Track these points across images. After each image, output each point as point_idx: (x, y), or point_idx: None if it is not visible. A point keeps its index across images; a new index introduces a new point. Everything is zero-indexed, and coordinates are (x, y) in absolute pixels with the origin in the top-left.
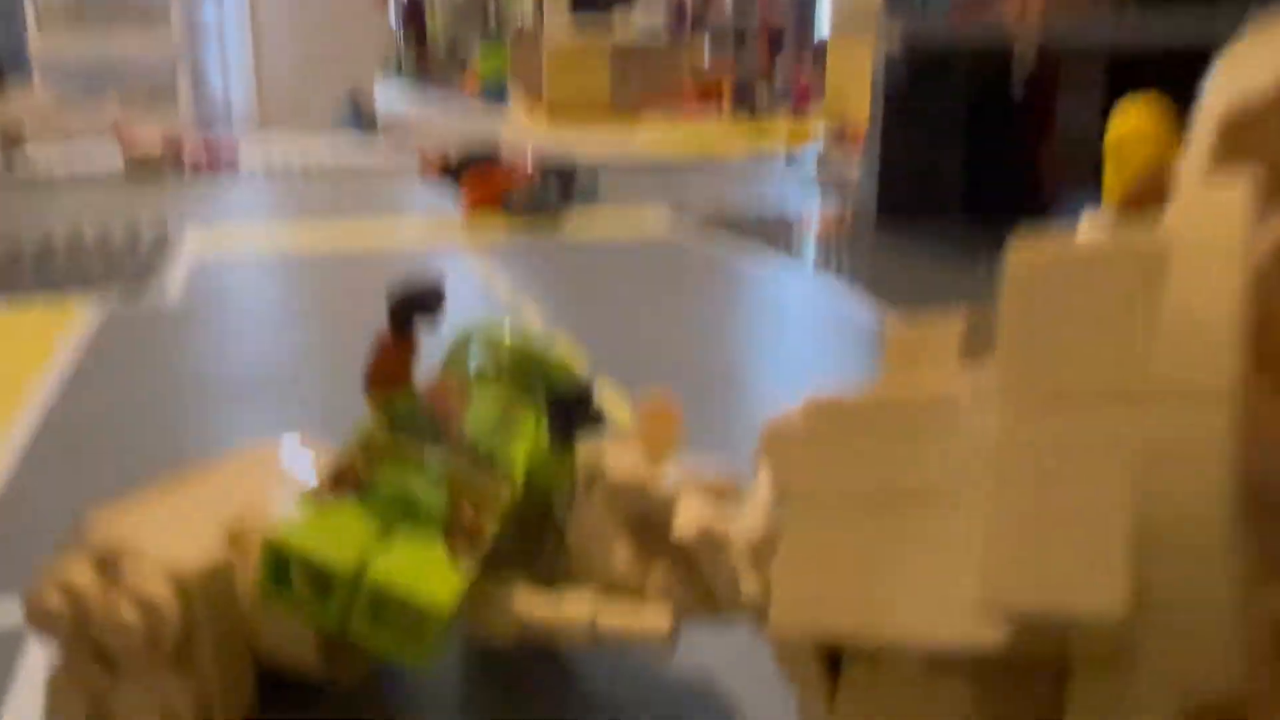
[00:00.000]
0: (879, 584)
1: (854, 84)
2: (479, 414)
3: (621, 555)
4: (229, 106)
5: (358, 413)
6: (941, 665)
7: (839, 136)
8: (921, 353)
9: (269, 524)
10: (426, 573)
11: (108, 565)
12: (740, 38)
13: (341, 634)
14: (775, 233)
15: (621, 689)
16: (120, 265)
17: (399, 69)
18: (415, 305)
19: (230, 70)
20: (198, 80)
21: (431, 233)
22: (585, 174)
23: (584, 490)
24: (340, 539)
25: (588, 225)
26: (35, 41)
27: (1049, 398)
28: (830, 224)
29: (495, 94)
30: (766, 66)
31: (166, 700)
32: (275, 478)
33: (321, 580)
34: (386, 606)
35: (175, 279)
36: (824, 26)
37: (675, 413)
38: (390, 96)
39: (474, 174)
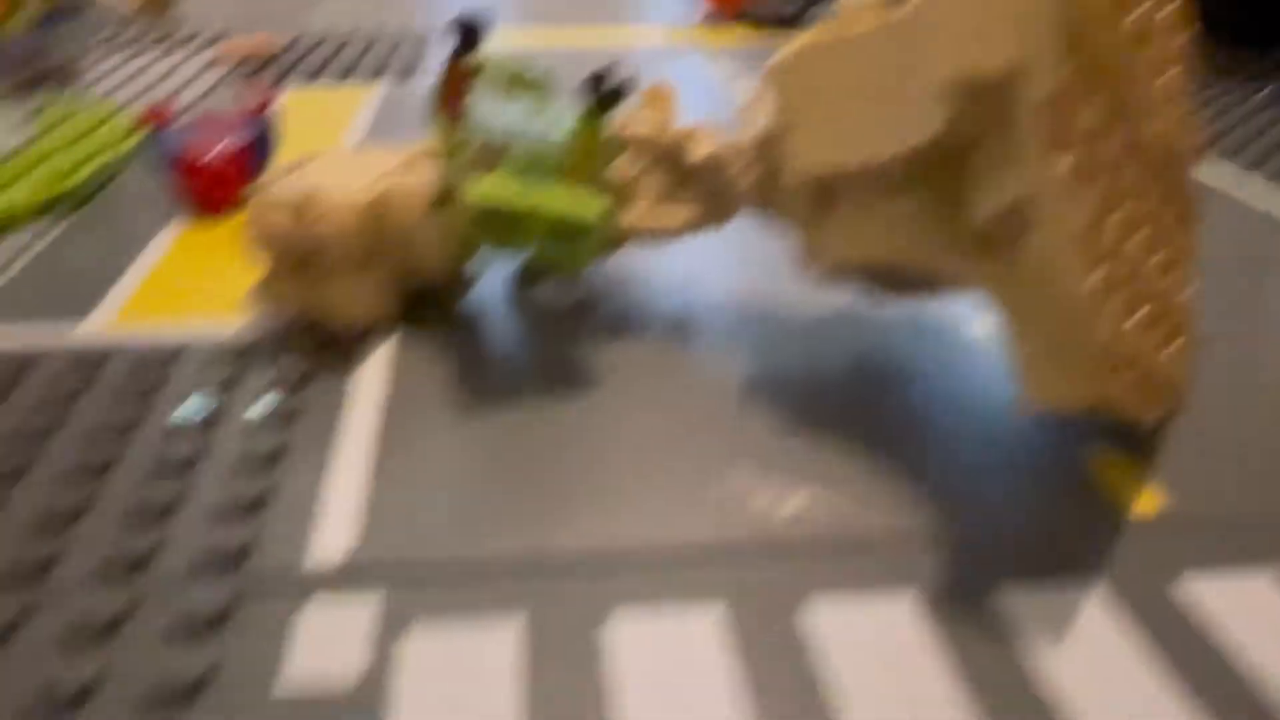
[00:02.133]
0: (859, 123)
1: None
2: (519, 106)
3: (654, 183)
4: None
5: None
6: (897, 185)
7: None
8: (859, 15)
9: (444, 185)
10: (576, 201)
11: (304, 202)
12: None
13: (520, 251)
14: None
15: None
16: (392, 58)
17: None
18: (471, 29)
19: None
20: None
21: (667, 38)
22: None
23: (624, 149)
24: (514, 192)
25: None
26: None
27: None
28: None
29: None
30: None
31: (361, 289)
32: (385, 159)
33: (506, 220)
34: (559, 230)
35: (438, 57)
36: None
37: (672, 92)
38: None
39: None
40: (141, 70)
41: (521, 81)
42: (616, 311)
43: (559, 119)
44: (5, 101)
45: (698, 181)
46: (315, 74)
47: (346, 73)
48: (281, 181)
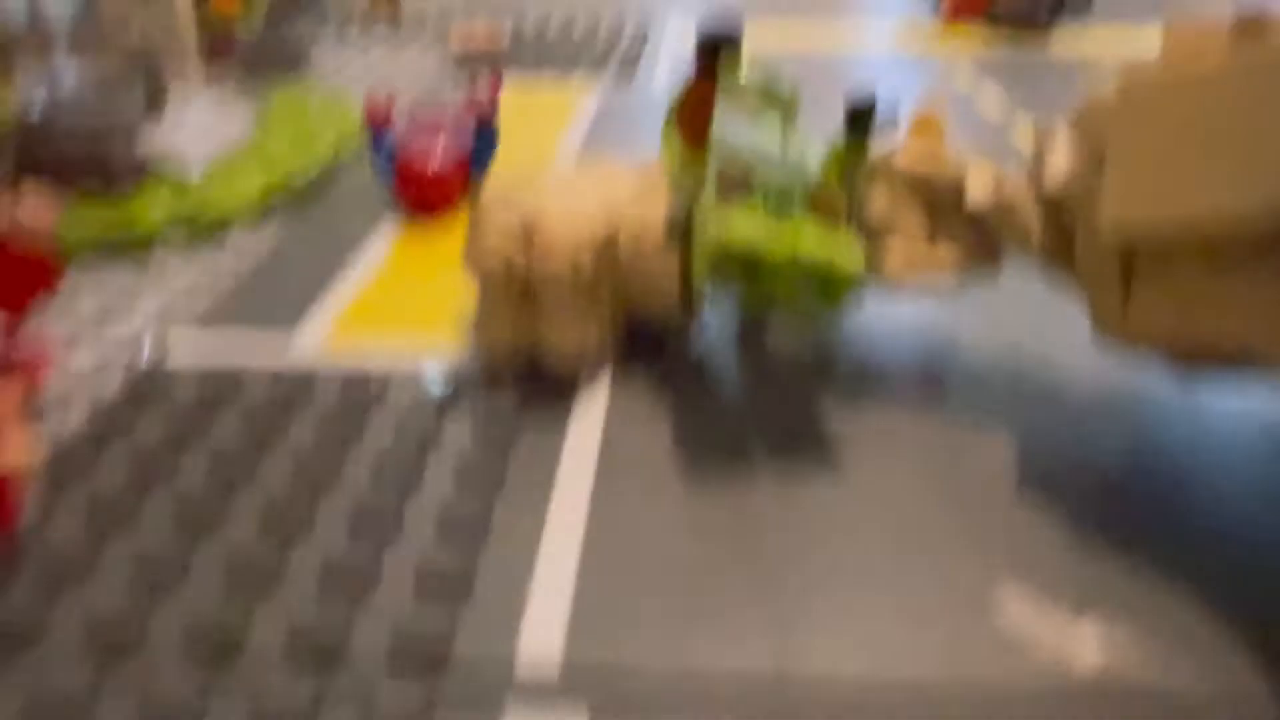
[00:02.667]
0: (1199, 177)
1: None
2: (770, 129)
3: (916, 225)
4: None
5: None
6: (1236, 254)
7: None
8: (1196, 48)
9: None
10: (836, 245)
11: (529, 231)
12: None
13: (767, 300)
14: None
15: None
16: (610, 54)
17: None
18: (720, 44)
19: None
20: None
21: (906, 40)
22: None
23: (877, 181)
24: (765, 231)
25: (1078, 43)
26: None
27: None
28: None
29: None
30: None
31: (583, 327)
32: (615, 179)
33: (754, 264)
34: (813, 276)
35: (657, 69)
36: None
37: (942, 117)
38: None
39: None
40: (371, 63)
41: (770, 99)
42: (860, 367)
43: (810, 145)
44: (238, 92)
45: (967, 224)
46: (535, 68)
47: (567, 67)
48: (506, 202)
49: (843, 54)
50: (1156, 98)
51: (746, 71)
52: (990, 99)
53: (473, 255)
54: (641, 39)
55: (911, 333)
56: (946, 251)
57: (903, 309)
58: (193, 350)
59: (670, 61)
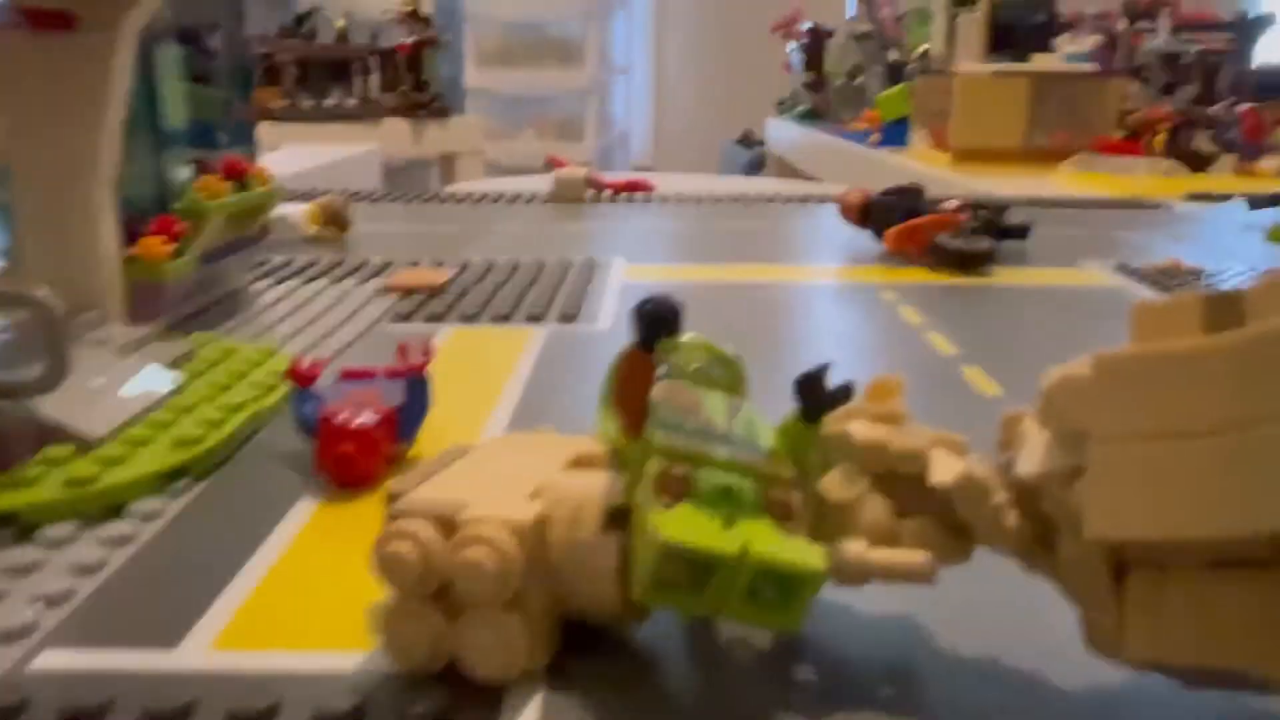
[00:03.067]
0: (1187, 479)
1: None
2: (715, 406)
3: (876, 509)
4: (628, 142)
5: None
6: (1223, 568)
7: None
8: (1168, 325)
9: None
10: (792, 547)
11: (444, 522)
12: (1175, 69)
13: (715, 614)
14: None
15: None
16: (556, 293)
17: (794, 109)
18: (662, 322)
19: (633, 107)
20: (603, 117)
21: (848, 273)
22: (1016, 216)
23: (831, 457)
24: (711, 533)
25: (1018, 274)
26: (472, 76)
27: None
28: None
29: (895, 134)
30: (1206, 104)
31: (508, 635)
32: (546, 458)
33: (702, 569)
34: (766, 582)
35: (604, 305)
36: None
37: (899, 386)
38: (782, 137)
39: (897, 215)
40: (308, 303)
41: (713, 376)
42: (825, 665)
43: (759, 423)
44: (159, 348)
45: (936, 507)
46: (476, 314)
47: (509, 311)
48: (423, 485)
49: (787, 291)
50: (1135, 380)
51: (688, 347)
52: (937, 333)
53: (382, 550)
54: (585, 281)
55: (881, 626)
56: (915, 531)
57: (871, 595)
58: (58, 667)
59: (614, 306)
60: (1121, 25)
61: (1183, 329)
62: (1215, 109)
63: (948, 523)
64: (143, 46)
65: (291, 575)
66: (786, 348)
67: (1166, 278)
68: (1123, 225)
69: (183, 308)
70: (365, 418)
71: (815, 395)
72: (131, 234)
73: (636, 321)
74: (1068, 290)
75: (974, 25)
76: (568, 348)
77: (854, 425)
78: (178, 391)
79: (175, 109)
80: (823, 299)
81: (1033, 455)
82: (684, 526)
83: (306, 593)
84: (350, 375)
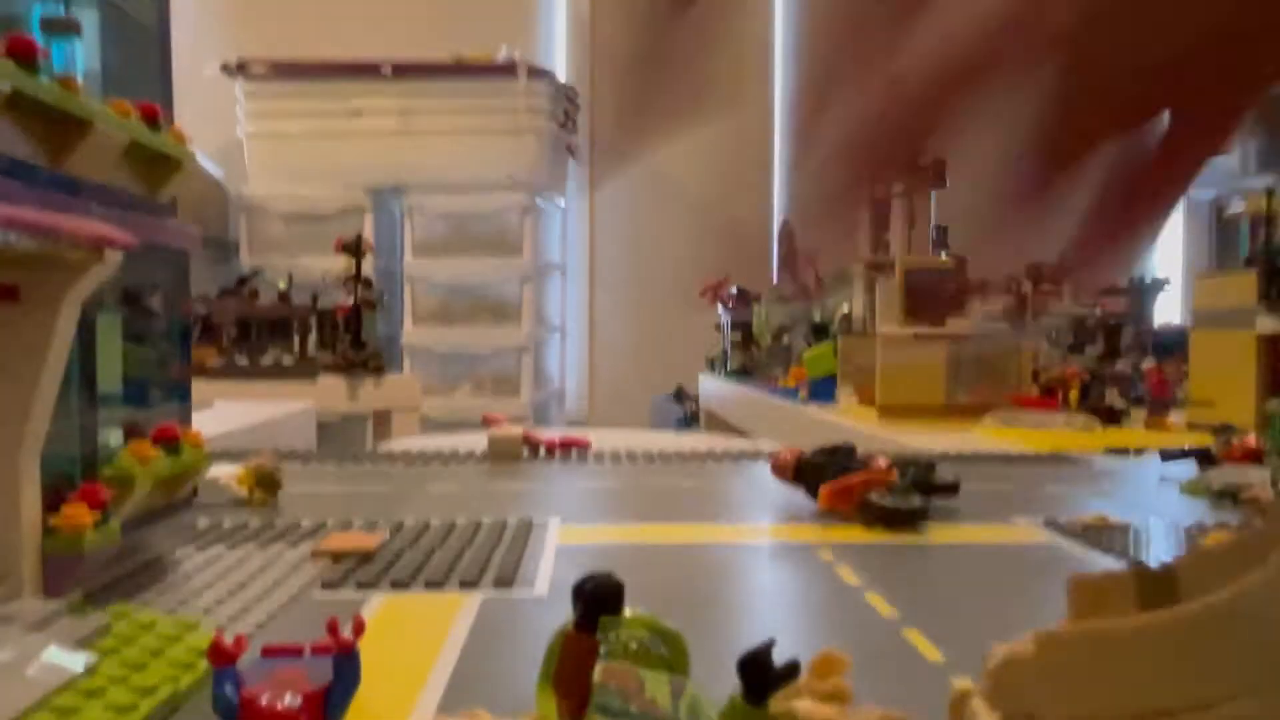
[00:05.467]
0: None
1: (1225, 382)
2: (658, 687)
3: None
4: (562, 398)
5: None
6: None
7: (1225, 442)
8: (1103, 600)
9: None
10: None
11: None
12: (1080, 329)
13: None
14: (1161, 545)
15: None
16: (491, 556)
17: (723, 366)
18: (603, 603)
19: (567, 363)
20: (538, 373)
21: (784, 532)
22: (946, 472)
23: None
24: None
25: (951, 531)
26: (410, 334)
27: None
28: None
29: (822, 391)
30: (1111, 361)
31: None
32: None
33: None
34: None
35: (541, 569)
36: (1177, 317)
37: (844, 664)
38: (713, 393)
39: (829, 473)
40: (234, 567)
41: (658, 646)
42: None
43: (702, 702)
44: (70, 619)
45: None
46: (408, 580)
47: (442, 578)
48: None
49: (725, 551)
50: (1078, 661)
51: (630, 623)
52: (875, 593)
53: None
54: (522, 544)
55: None
56: None
57: None
58: None
59: (551, 569)
60: (1027, 287)
61: (1118, 603)
62: (1119, 366)
63: None
64: (85, 313)
65: None
66: (727, 612)
67: (1095, 533)
68: (1047, 480)
69: (101, 577)
70: (289, 700)
71: (760, 675)
72: (54, 500)
73: (577, 601)
74: (1000, 547)
75: (891, 290)
76: (504, 617)
77: (800, 705)
78: (88, 673)
79: (111, 372)
80: (761, 560)
81: None
82: None
83: None
84: (273, 652)
